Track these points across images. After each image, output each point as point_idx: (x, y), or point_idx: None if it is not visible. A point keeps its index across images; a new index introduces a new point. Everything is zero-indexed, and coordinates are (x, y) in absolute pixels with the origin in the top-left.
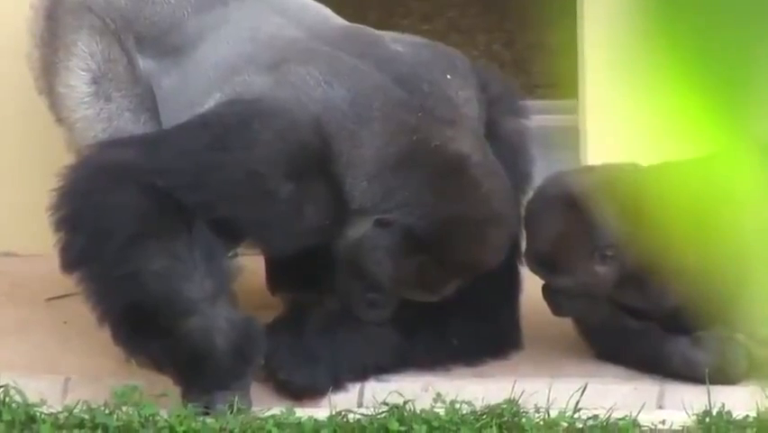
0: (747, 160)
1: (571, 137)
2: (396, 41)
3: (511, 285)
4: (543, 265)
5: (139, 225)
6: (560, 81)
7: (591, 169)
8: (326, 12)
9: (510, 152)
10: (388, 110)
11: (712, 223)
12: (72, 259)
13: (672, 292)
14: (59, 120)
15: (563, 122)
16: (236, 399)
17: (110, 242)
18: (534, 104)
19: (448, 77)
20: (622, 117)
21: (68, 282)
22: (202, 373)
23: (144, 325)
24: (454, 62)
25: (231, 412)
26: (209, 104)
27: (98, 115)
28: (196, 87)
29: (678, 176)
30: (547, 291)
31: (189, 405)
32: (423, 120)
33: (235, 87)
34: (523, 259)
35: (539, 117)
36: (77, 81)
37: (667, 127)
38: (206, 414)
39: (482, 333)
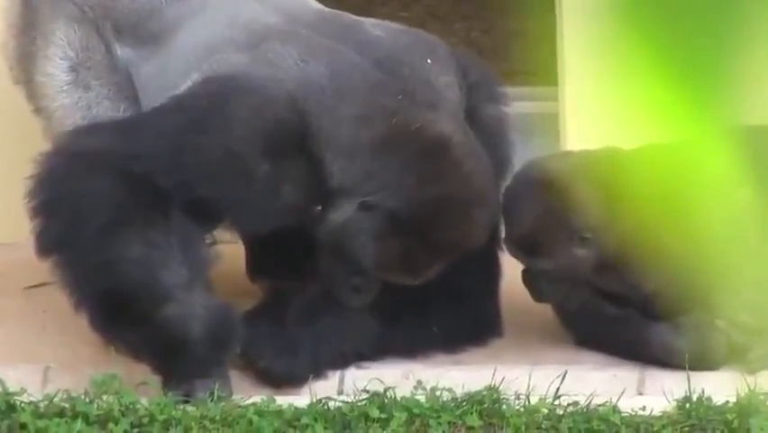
0: (717, 145)
1: (550, 124)
2: (375, 27)
3: (491, 272)
4: (522, 249)
5: (115, 212)
6: (539, 68)
7: (570, 153)
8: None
9: (490, 138)
10: (367, 92)
11: (688, 207)
12: (48, 245)
13: (651, 277)
14: (37, 110)
15: (543, 108)
16: (216, 386)
17: (86, 228)
18: (514, 91)
19: (428, 62)
20: (601, 104)
21: (47, 271)
22: (180, 360)
23: (121, 312)
24: (434, 48)
25: (211, 400)
26: (187, 84)
27: (77, 104)
28: (175, 70)
29: (655, 161)
30: (527, 276)
31: (169, 394)
32: (403, 103)
33: (212, 65)
34: (503, 244)
35: (519, 104)
36: (55, 70)
37: (642, 114)
38: (187, 402)
39: (462, 320)
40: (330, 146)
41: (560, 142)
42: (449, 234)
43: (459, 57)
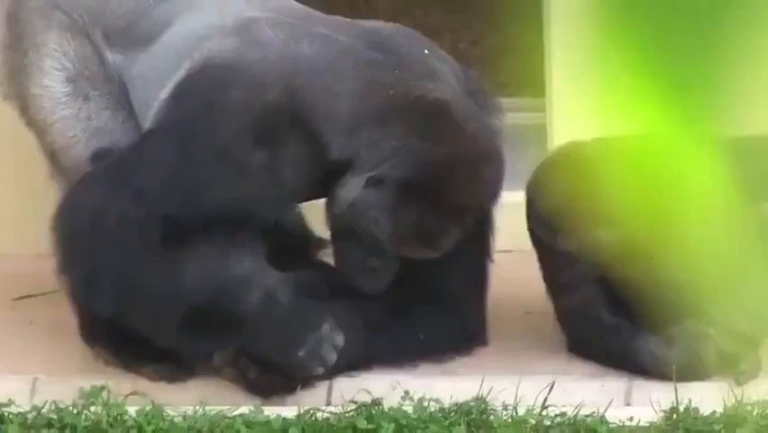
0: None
1: (538, 135)
2: (368, 22)
3: (478, 281)
4: (547, 227)
5: (141, 252)
6: (527, 79)
7: (607, 139)
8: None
9: None
10: (362, 68)
11: (676, 216)
12: (104, 309)
13: (649, 283)
14: (32, 122)
15: (531, 119)
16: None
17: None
18: (502, 102)
19: (426, 51)
20: (588, 115)
21: (35, 282)
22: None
23: (211, 325)
24: (433, 46)
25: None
26: (179, 74)
27: (77, 115)
28: (166, 61)
29: (650, 169)
30: (547, 257)
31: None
32: (400, 76)
33: (204, 52)
34: (529, 224)
35: (507, 115)
36: (51, 82)
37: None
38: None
39: (448, 328)
40: (328, 121)
41: (548, 153)
42: (460, 195)
43: (457, 67)
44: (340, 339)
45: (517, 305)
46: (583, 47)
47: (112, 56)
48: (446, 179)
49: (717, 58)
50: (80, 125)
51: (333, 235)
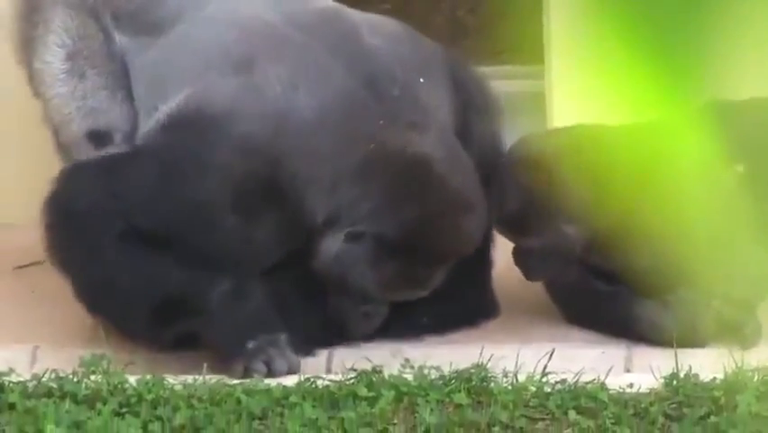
0: (701, 122)
1: (536, 102)
2: (374, 33)
3: (482, 263)
4: (512, 228)
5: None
6: (525, 47)
7: (555, 131)
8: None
9: (483, 155)
10: (350, 119)
11: (675, 184)
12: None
13: (640, 255)
14: (36, 94)
15: (529, 87)
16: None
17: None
18: (500, 69)
19: (421, 80)
20: (586, 82)
21: (36, 251)
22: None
23: (175, 312)
24: (430, 63)
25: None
26: (178, 98)
27: (73, 93)
28: (169, 75)
29: (641, 138)
30: (519, 255)
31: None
32: (383, 127)
33: (202, 87)
34: (494, 225)
35: (505, 83)
36: (52, 57)
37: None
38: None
39: (453, 312)
40: (310, 186)
41: (546, 121)
42: (442, 247)
43: (454, 67)
44: (295, 358)
45: (516, 273)
46: (581, 14)
47: (119, 38)
48: (425, 234)
49: (702, 24)
50: (75, 103)
51: (323, 287)
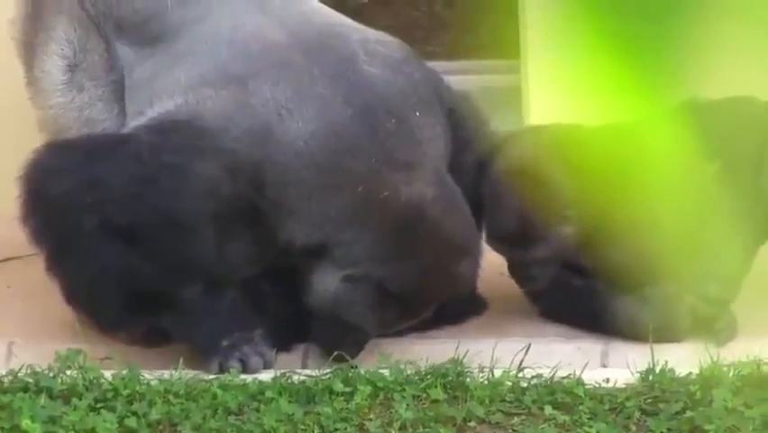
0: (677, 120)
1: (513, 97)
2: (372, 60)
3: None
4: (513, 243)
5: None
6: (502, 41)
7: (532, 131)
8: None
9: (472, 180)
10: (341, 155)
11: (650, 181)
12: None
13: (618, 250)
14: (34, 100)
15: (506, 81)
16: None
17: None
18: (477, 64)
19: (417, 114)
20: (563, 77)
21: (12, 246)
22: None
23: (149, 304)
24: (425, 92)
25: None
26: (168, 106)
27: (70, 104)
28: (163, 86)
29: (617, 136)
30: (518, 267)
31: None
32: (374, 167)
33: (195, 100)
34: (488, 242)
35: (481, 77)
36: (52, 68)
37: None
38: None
39: (443, 311)
40: (292, 217)
41: (522, 115)
42: (438, 293)
43: (447, 93)
44: (270, 354)
45: (492, 267)
46: (557, 10)
47: (121, 49)
48: (424, 283)
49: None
50: (72, 114)
51: (313, 318)
